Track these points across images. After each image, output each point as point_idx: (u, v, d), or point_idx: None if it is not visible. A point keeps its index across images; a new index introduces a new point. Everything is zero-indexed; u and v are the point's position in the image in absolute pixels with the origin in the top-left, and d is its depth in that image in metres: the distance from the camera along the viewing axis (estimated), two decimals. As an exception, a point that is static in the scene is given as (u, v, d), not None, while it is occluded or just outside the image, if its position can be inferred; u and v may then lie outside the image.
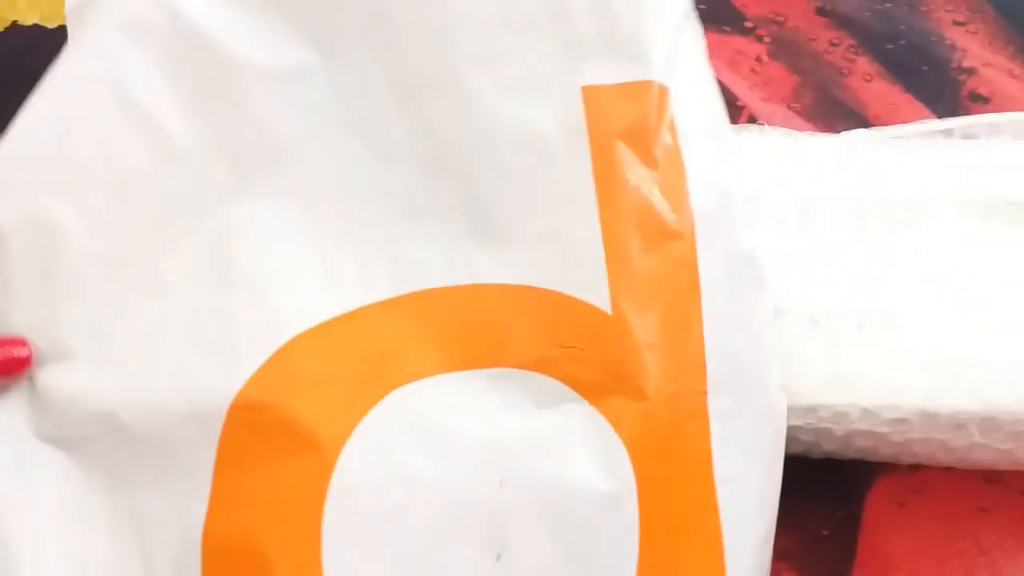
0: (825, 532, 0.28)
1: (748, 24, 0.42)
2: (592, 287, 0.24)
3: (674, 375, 0.24)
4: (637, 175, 0.25)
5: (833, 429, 0.26)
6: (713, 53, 0.41)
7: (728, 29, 0.42)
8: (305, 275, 0.24)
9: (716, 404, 0.24)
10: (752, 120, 0.38)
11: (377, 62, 0.26)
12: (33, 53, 0.31)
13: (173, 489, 0.22)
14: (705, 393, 0.24)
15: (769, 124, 0.38)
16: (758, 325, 0.25)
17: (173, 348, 0.23)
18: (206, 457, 0.22)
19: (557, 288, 0.24)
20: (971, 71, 0.39)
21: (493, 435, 0.23)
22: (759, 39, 0.42)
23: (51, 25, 0.39)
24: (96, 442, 0.22)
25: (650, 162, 0.25)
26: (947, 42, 0.40)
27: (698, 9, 0.42)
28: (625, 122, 0.26)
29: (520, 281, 0.24)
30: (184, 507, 0.22)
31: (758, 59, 0.41)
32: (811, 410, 0.26)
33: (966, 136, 0.33)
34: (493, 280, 0.25)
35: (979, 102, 0.38)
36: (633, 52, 0.26)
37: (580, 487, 0.22)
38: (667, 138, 0.26)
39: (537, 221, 0.25)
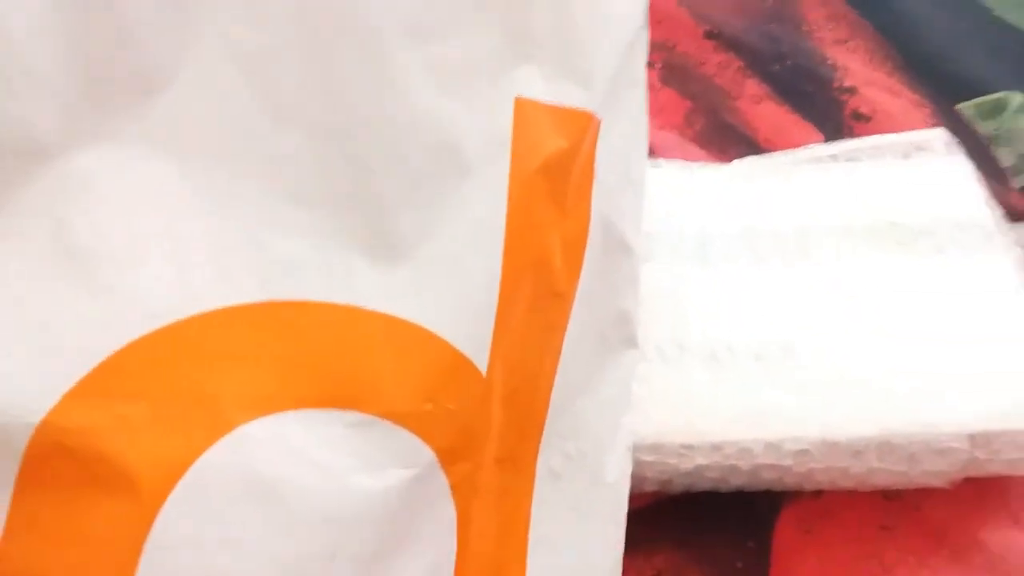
0: (739, 564, 0.28)
1: (639, 50, 0.43)
2: (476, 342, 0.21)
3: (514, 438, 0.22)
4: (548, 221, 0.22)
5: (739, 465, 0.27)
6: (607, 81, 0.42)
7: (620, 56, 0.42)
8: (154, 257, 0.19)
9: (546, 462, 0.23)
10: (648, 149, 0.38)
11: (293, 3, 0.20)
12: None
13: None
14: (536, 452, 0.22)
15: (664, 152, 0.38)
16: (615, 387, 0.25)
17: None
18: (5, 481, 0.18)
19: (442, 334, 0.20)
20: (852, 90, 0.40)
21: (337, 500, 0.19)
22: (651, 65, 0.42)
23: None
24: None
25: (560, 206, 0.22)
26: (829, 62, 0.42)
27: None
28: (551, 152, 0.22)
29: (404, 315, 0.20)
30: None
31: (650, 86, 0.41)
32: (716, 448, 0.27)
33: (851, 159, 0.34)
34: (371, 305, 0.20)
35: (861, 120, 0.39)
36: (579, 67, 0.23)
37: (407, 554, 0.20)
38: (582, 181, 0.23)
39: (436, 245, 0.21)
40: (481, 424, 0.21)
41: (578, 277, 0.23)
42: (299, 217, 0.20)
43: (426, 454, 0.20)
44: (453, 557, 0.21)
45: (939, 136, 0.34)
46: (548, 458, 0.23)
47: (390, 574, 0.20)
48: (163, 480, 0.18)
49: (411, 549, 0.20)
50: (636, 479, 0.27)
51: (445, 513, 0.21)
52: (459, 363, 0.21)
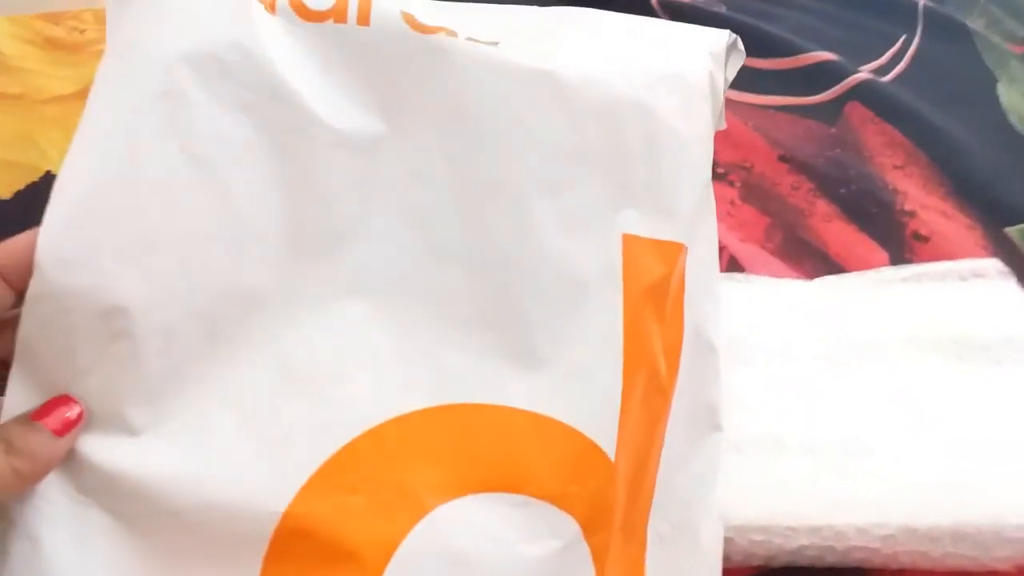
0: (831, 631, 0.33)
1: (720, 170, 0.49)
2: (605, 432, 0.25)
3: (633, 511, 0.27)
4: (653, 332, 0.27)
5: (835, 546, 0.32)
6: (693, 197, 0.47)
7: (704, 175, 0.48)
8: (357, 376, 0.24)
9: (655, 528, 0.28)
10: (733, 260, 0.44)
11: (444, 153, 0.25)
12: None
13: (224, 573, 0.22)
14: (647, 521, 0.28)
15: (747, 263, 0.44)
16: (705, 464, 0.30)
17: (229, 441, 0.23)
18: (255, 556, 0.22)
19: (578, 427, 0.25)
20: (912, 213, 0.46)
21: (510, 566, 0.24)
22: (731, 184, 0.48)
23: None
24: (147, 519, 0.23)
25: (660, 319, 0.27)
26: (889, 186, 0.47)
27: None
28: (654, 278, 0.27)
29: (546, 412, 0.25)
30: None
31: (732, 203, 0.47)
32: (815, 531, 0.32)
33: (917, 280, 0.39)
34: (522, 405, 0.25)
35: (920, 240, 0.45)
36: (668, 208, 0.27)
37: None
38: (676, 297, 0.28)
39: (568, 355, 0.25)
40: (612, 500, 0.26)
41: (676, 375, 0.28)
42: (461, 335, 0.25)
43: (572, 527, 0.25)
44: None
45: (993, 265, 0.39)
46: (656, 525, 0.28)
47: None
48: (381, 555, 0.23)
49: None
50: (745, 555, 0.32)
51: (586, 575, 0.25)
52: (593, 451, 0.25)
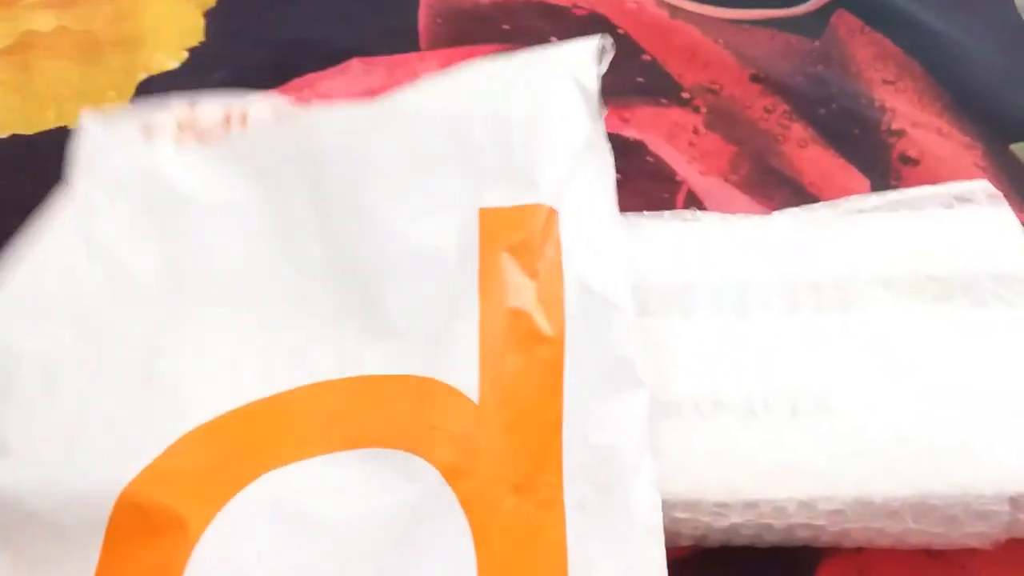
0: (776, 619, 0.28)
1: (685, 95, 0.43)
2: (464, 377, 0.27)
3: (526, 464, 0.26)
4: (518, 284, 0.29)
5: (773, 524, 0.27)
6: (652, 127, 0.42)
7: (665, 101, 0.43)
8: (214, 375, 0.28)
9: (574, 495, 0.26)
10: (691, 195, 0.39)
11: (308, 194, 0.32)
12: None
13: (64, 569, 0.24)
14: (560, 485, 0.26)
15: (707, 198, 0.39)
16: (628, 424, 0.28)
17: (90, 443, 0.26)
18: (96, 539, 0.24)
19: (432, 375, 0.27)
20: (900, 133, 0.40)
21: (348, 512, 0.25)
22: (696, 110, 0.43)
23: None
24: (9, 528, 0.26)
25: (532, 273, 0.29)
26: (876, 103, 0.41)
27: (636, 83, 0.44)
28: (513, 238, 0.30)
29: (403, 370, 0.28)
30: None
31: (695, 131, 0.42)
32: (750, 506, 0.27)
33: (893, 209, 0.34)
34: (378, 371, 0.28)
35: (909, 164, 0.39)
36: (527, 181, 0.31)
37: (422, 559, 0.24)
38: (551, 253, 0.30)
39: (424, 320, 0.29)
40: (479, 442, 0.26)
41: (561, 325, 0.29)
42: (322, 330, 0.29)
43: (430, 472, 0.26)
44: (474, 570, 0.24)
45: (982, 188, 0.33)
46: (576, 491, 0.26)
47: (408, 574, 0.24)
48: (204, 517, 0.25)
49: (427, 553, 0.24)
50: (671, 535, 0.27)
51: (456, 524, 0.25)
52: (451, 394, 0.27)
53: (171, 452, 0.26)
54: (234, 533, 0.25)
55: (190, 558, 0.24)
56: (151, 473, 0.25)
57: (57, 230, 0.31)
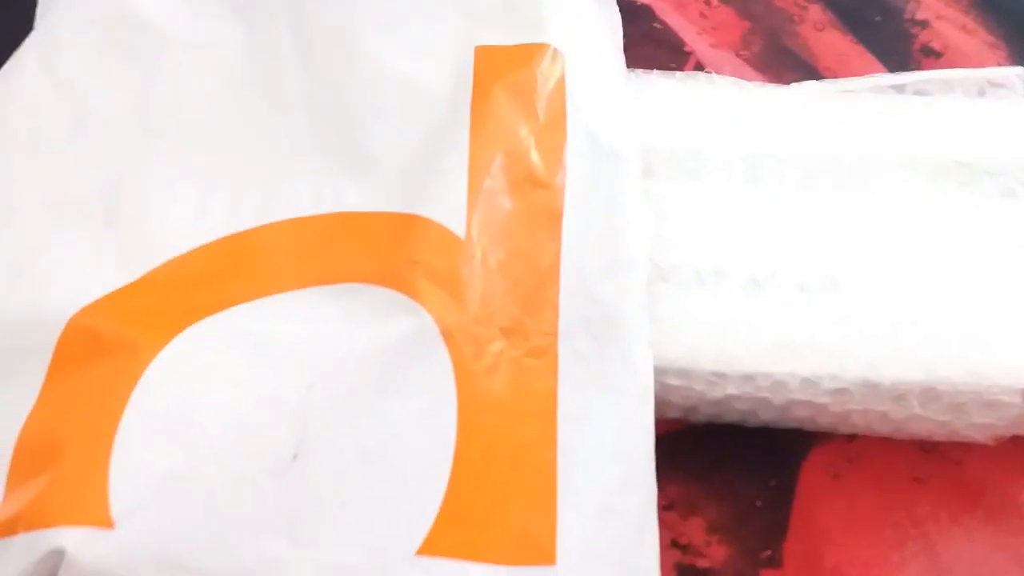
0: (758, 503, 0.27)
1: (699, -36, 0.40)
2: (450, 212, 0.25)
3: (517, 309, 0.24)
4: (515, 124, 0.27)
5: (771, 399, 0.25)
6: (661, -6, 0.39)
7: (677, -31, 0.40)
8: (181, 212, 0.26)
9: (571, 346, 0.24)
10: (699, 67, 0.36)
11: (289, 28, 0.30)
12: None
13: (3, 391, 0.23)
14: (556, 334, 0.24)
15: (717, 72, 0.36)
16: (630, 283, 0.26)
17: (43, 273, 0.25)
18: (40, 363, 0.23)
19: (415, 211, 0.25)
20: (924, 23, 0.37)
21: (316, 343, 0.23)
22: (710, -20, 0.39)
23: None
24: None
25: (532, 116, 0.27)
26: (902, -9, 0.39)
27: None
28: (512, 75, 0.28)
29: (384, 208, 0.26)
30: (10, 408, 0.23)
31: (707, 2, 0.39)
32: (748, 378, 0.25)
33: (918, 92, 0.31)
34: (358, 208, 0.26)
35: (931, 56, 0.37)
36: (532, 21, 0.29)
37: (394, 392, 0.22)
38: (554, 98, 0.28)
39: (410, 156, 0.27)
40: (467, 280, 0.24)
41: (561, 173, 0.27)
42: (294, 167, 0.27)
43: (411, 306, 0.23)
44: (454, 407, 0.22)
45: (1018, 75, 0.31)
46: (573, 340, 0.24)
47: (377, 407, 0.22)
48: (156, 340, 0.23)
49: (401, 386, 0.22)
50: (660, 403, 0.25)
51: (438, 361, 0.23)
52: (432, 228, 0.25)
53: (131, 286, 0.24)
54: (189, 358, 0.23)
55: (141, 378, 0.22)
56: (107, 302, 0.24)
57: (23, 67, 0.29)
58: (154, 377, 0.22)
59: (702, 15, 0.38)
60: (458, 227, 0.25)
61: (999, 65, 0.36)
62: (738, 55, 0.37)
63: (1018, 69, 0.31)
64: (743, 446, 0.27)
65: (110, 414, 0.22)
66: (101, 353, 0.23)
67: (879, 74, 0.32)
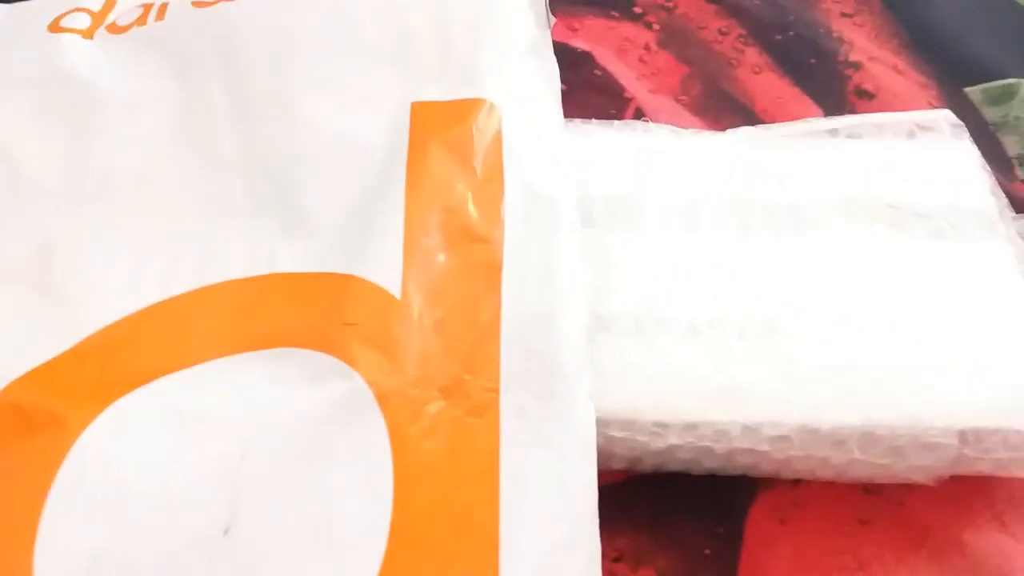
0: (707, 551, 0.27)
1: (637, 10, 0.41)
2: (386, 272, 0.25)
3: (456, 367, 0.24)
4: (452, 179, 0.27)
5: (714, 448, 0.25)
6: (601, 40, 0.40)
7: (617, 15, 0.40)
8: (114, 278, 0.26)
9: (512, 401, 0.24)
10: (639, 113, 0.37)
11: (224, 85, 0.30)
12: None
13: None
14: (497, 390, 0.24)
15: (656, 117, 0.36)
16: (570, 334, 0.25)
17: None
18: None
19: (351, 272, 0.25)
20: (857, 65, 0.38)
21: (246, 412, 0.23)
22: (648, 26, 0.40)
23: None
24: None
25: (469, 171, 0.27)
26: (834, 34, 0.40)
27: (586, -7, 0.41)
28: (449, 130, 0.28)
29: (319, 268, 0.26)
30: None
31: (647, 47, 0.39)
32: (691, 428, 0.25)
33: (850, 136, 0.32)
34: (292, 269, 0.26)
35: (864, 98, 0.37)
36: (467, 76, 0.29)
37: (327, 461, 0.22)
38: (491, 152, 0.28)
39: (345, 215, 0.26)
40: (403, 342, 0.24)
41: (499, 226, 0.27)
42: (229, 228, 0.27)
43: (344, 370, 0.23)
44: (390, 473, 0.22)
45: (945, 117, 0.32)
46: (515, 397, 0.24)
47: (310, 476, 0.22)
48: (86, 414, 0.22)
49: (334, 454, 0.22)
50: (604, 455, 0.25)
51: (372, 426, 0.22)
52: (367, 289, 0.25)
53: (60, 358, 0.24)
54: (118, 432, 0.22)
55: (67, 455, 0.22)
56: (36, 375, 0.24)
57: None
58: (81, 453, 0.22)
59: (641, 60, 0.39)
60: (394, 287, 0.25)
61: (930, 103, 0.37)
62: (677, 100, 0.37)
63: (944, 112, 0.32)
64: (690, 494, 0.27)
65: (36, 494, 0.21)
66: (28, 430, 0.22)
67: (812, 119, 0.33)
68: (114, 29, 0.32)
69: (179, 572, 0.20)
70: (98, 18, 0.32)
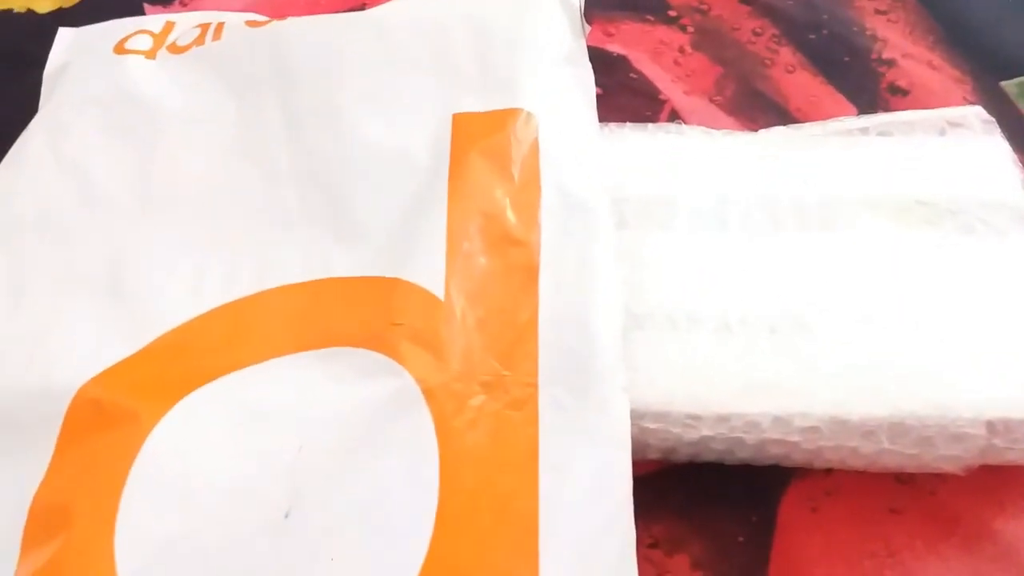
0: (740, 538, 0.28)
1: (672, 13, 0.42)
2: (430, 275, 0.26)
3: (496, 363, 0.26)
4: (491, 186, 0.29)
5: (745, 439, 0.26)
6: (636, 44, 0.41)
7: (652, 18, 0.41)
8: (179, 284, 0.28)
9: (550, 394, 0.25)
10: (674, 115, 0.38)
11: (277, 101, 0.32)
12: (25, 37, 0.37)
13: (18, 460, 0.25)
14: (536, 385, 0.25)
15: (691, 118, 0.37)
16: (604, 332, 0.27)
17: (52, 348, 0.27)
18: (50, 433, 0.25)
19: (397, 275, 0.27)
20: (891, 63, 0.39)
21: (304, 407, 0.25)
22: (683, 29, 0.41)
23: (42, 11, 0.42)
24: None
25: (507, 178, 0.29)
26: (868, 32, 0.40)
27: (621, -3, 0.42)
28: (488, 140, 0.30)
29: (369, 272, 0.27)
30: (24, 476, 0.24)
31: (681, 50, 0.40)
32: (723, 420, 0.26)
33: (881, 133, 0.33)
34: (344, 273, 0.28)
35: (898, 94, 0.38)
36: (505, 87, 0.31)
37: (378, 450, 0.24)
38: (528, 159, 0.29)
39: (392, 222, 0.28)
40: (447, 340, 0.25)
41: (536, 230, 0.28)
42: (286, 236, 0.29)
43: (393, 367, 0.25)
44: (436, 462, 0.23)
45: (976, 114, 0.32)
46: (552, 391, 0.26)
47: (363, 465, 0.23)
48: (157, 410, 0.24)
49: (384, 445, 0.24)
50: (639, 446, 0.26)
51: (419, 420, 0.24)
52: (412, 291, 0.26)
53: (132, 358, 0.26)
54: (187, 426, 0.24)
55: (142, 447, 0.24)
56: (111, 374, 0.25)
57: (30, 149, 0.32)
58: (154, 446, 0.24)
59: (676, 63, 0.40)
60: (438, 289, 0.26)
61: (965, 98, 0.38)
62: (711, 101, 0.38)
63: (975, 108, 0.32)
64: (724, 483, 0.28)
65: (115, 483, 0.23)
66: (106, 424, 0.24)
67: (843, 118, 0.34)
68: (175, 49, 0.34)
69: (245, 553, 0.22)
70: (159, 39, 0.34)
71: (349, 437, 0.24)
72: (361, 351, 0.25)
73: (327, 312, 0.27)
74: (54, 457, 0.24)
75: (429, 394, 0.24)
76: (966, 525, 0.27)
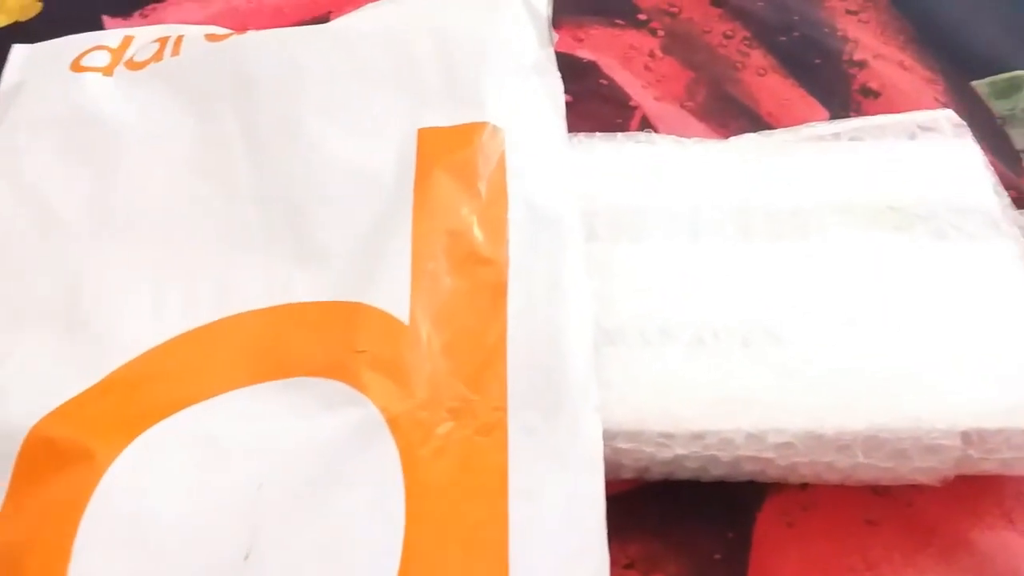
0: (717, 556, 0.27)
1: (642, 16, 0.41)
2: (394, 299, 0.26)
3: (464, 388, 0.25)
4: (457, 203, 0.28)
5: (719, 456, 0.26)
6: (606, 49, 0.40)
7: (621, 23, 0.41)
8: (137, 313, 0.27)
9: (520, 419, 0.25)
10: (645, 121, 0.37)
11: (237, 118, 0.31)
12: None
13: None
14: (505, 409, 0.25)
15: (662, 124, 0.37)
16: (575, 350, 0.26)
17: (6, 382, 0.25)
18: (3, 475, 0.24)
19: (361, 300, 0.26)
20: (862, 64, 0.39)
21: (264, 441, 0.24)
22: (653, 32, 0.41)
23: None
24: None
25: (474, 194, 0.28)
26: (839, 33, 0.40)
27: (591, 2, 0.41)
28: (454, 155, 0.29)
29: (332, 297, 0.26)
30: None
31: (651, 54, 0.40)
32: (696, 437, 0.26)
33: (853, 138, 0.32)
34: (306, 298, 0.27)
35: (870, 97, 0.38)
36: (471, 100, 0.30)
37: (341, 485, 0.23)
38: (495, 174, 0.29)
39: (355, 243, 0.27)
40: (412, 367, 0.25)
41: (503, 247, 0.27)
42: (247, 259, 0.28)
43: (357, 397, 0.24)
44: (401, 495, 0.23)
45: (946, 117, 0.32)
46: (522, 414, 0.25)
47: (325, 501, 0.23)
48: (114, 448, 0.23)
49: (348, 479, 0.23)
50: (612, 466, 0.26)
51: (384, 447, 0.23)
52: (376, 316, 0.25)
53: (88, 392, 0.25)
54: (144, 463, 0.23)
55: (97, 487, 0.23)
56: (65, 411, 0.24)
57: None
58: (110, 485, 0.23)
59: (647, 67, 0.39)
60: (402, 312, 0.25)
61: (936, 99, 0.38)
62: (683, 106, 0.38)
63: (946, 112, 0.32)
64: (699, 500, 0.28)
65: (68, 525, 0.22)
66: (60, 463, 0.23)
67: (814, 123, 0.33)
68: (132, 65, 0.33)
69: None
70: (117, 55, 0.33)
71: (311, 473, 0.23)
72: (323, 381, 0.24)
73: (288, 340, 0.26)
74: (6, 500, 0.23)
75: (393, 423, 0.23)
76: (943, 536, 0.27)
